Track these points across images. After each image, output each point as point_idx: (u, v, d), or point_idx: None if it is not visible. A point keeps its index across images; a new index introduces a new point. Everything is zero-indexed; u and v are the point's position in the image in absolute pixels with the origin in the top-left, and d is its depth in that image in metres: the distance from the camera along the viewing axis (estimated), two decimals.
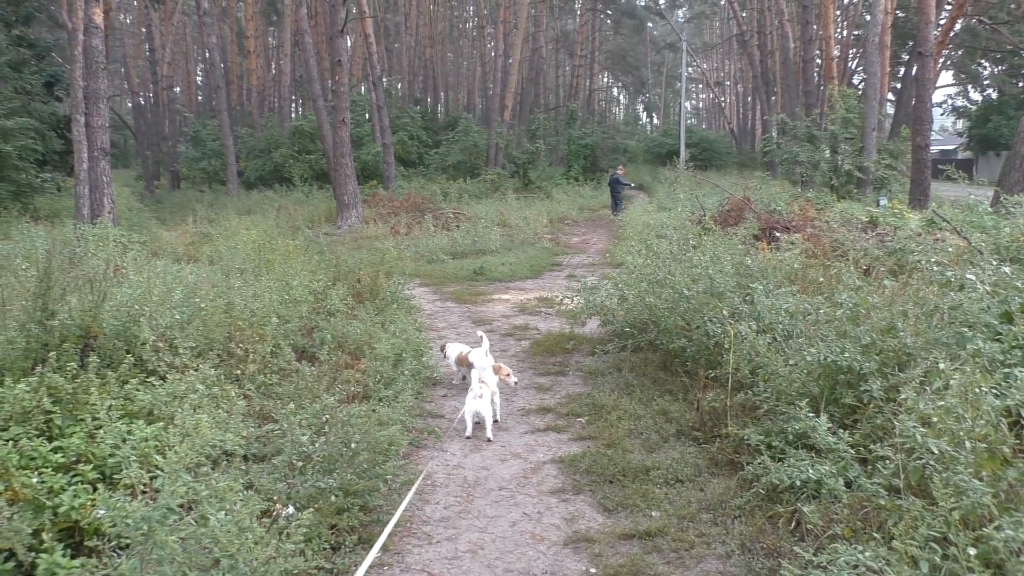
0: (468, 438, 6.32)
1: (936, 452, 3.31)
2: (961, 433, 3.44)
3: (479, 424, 6.39)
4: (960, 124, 64.88)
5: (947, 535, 3.00)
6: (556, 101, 60.00)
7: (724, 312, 6.73)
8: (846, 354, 5.00)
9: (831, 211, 18.68)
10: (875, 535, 3.48)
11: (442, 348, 8.21)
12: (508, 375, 6.91)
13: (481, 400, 6.29)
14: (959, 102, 60.31)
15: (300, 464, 4.02)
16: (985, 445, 3.45)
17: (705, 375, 6.50)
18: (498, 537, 4.60)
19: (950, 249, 12.04)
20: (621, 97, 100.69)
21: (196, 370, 5.67)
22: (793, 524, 4.26)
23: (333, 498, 4.02)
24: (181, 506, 3.05)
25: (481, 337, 7.68)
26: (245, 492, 3.57)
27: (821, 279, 6.76)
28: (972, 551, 2.84)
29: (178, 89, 60.62)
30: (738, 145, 64.76)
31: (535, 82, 52.69)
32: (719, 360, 6.43)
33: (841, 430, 4.86)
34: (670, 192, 30.06)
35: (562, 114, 47.83)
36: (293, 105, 63.29)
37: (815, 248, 10.30)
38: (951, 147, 67.20)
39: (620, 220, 23.70)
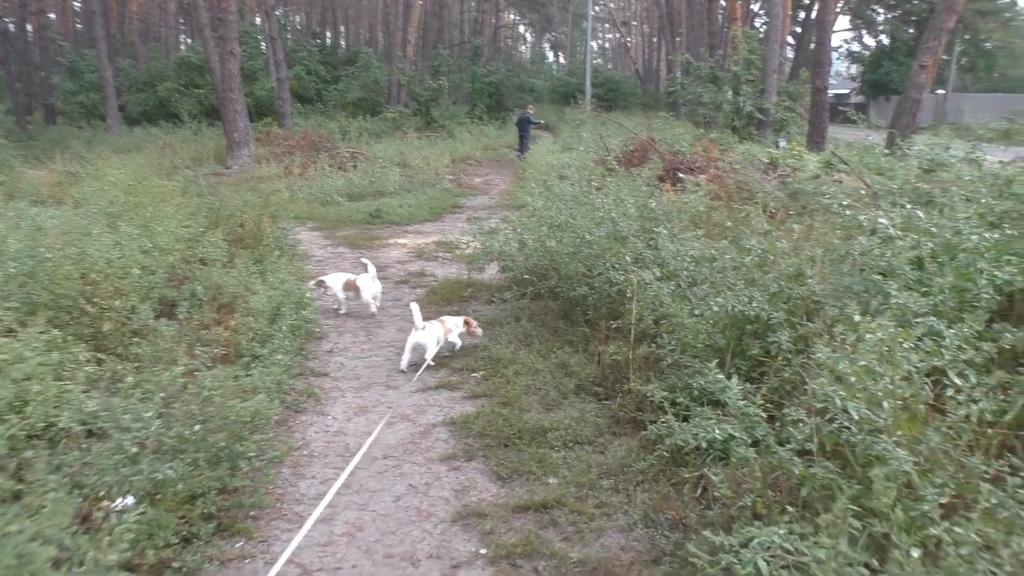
0: (402, 371, 6.37)
1: (856, 417, 3.00)
2: (879, 393, 3.14)
3: (415, 362, 6.40)
4: (854, 69, 66.67)
5: (889, 534, 2.69)
6: (461, 37, 58.24)
7: (627, 258, 6.37)
8: (754, 304, 4.69)
9: (734, 152, 18.70)
10: (788, 507, 3.17)
11: (319, 283, 8.10)
12: (476, 327, 6.85)
13: (424, 332, 6.37)
14: (854, 47, 61.87)
15: (134, 451, 3.43)
16: (903, 405, 3.17)
17: (607, 326, 6.14)
18: (380, 515, 4.13)
19: (841, 189, 12.12)
20: (527, 35, 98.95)
21: (31, 331, 4.92)
22: (699, 490, 3.95)
23: (180, 486, 3.45)
24: None
25: (367, 264, 8.10)
26: (56, 493, 2.96)
27: (729, 223, 6.45)
28: (915, 553, 2.53)
29: (52, 15, 55.75)
30: (643, 86, 64.75)
31: (439, 17, 50.95)
32: (621, 309, 6.08)
33: (747, 383, 4.59)
34: (575, 132, 29.73)
35: (467, 51, 46.39)
36: (181, 36, 59.45)
37: (719, 190, 10.07)
38: (845, 91, 69.11)
39: (525, 160, 23.18)
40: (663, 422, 4.38)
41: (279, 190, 16.94)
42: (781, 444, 3.90)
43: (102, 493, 3.31)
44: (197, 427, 3.56)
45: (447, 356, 6.61)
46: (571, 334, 6.69)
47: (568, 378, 5.79)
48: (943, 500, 2.80)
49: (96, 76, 36.85)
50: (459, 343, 6.75)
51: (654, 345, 5.24)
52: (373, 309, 8.14)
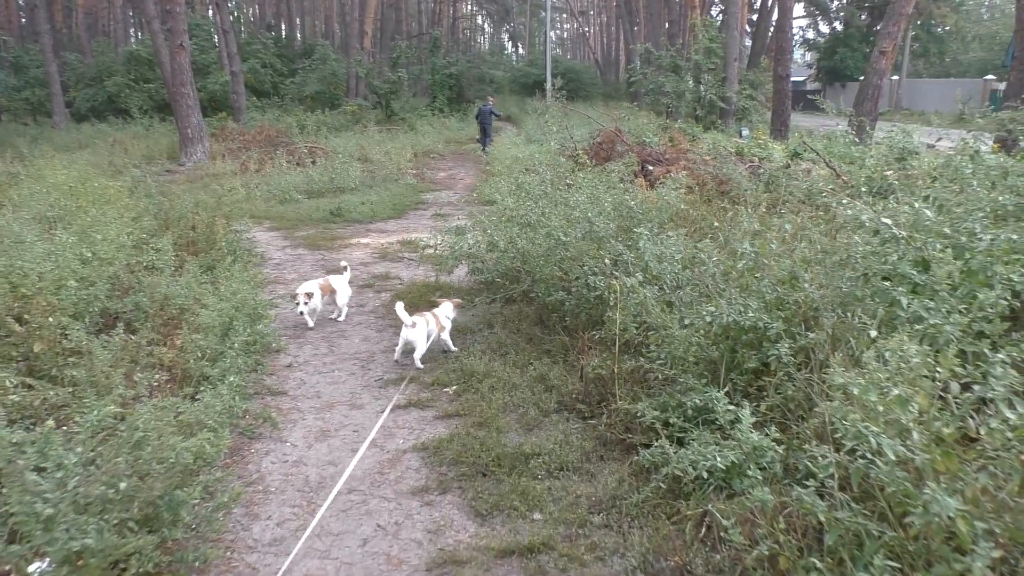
0: (396, 361, 6.37)
1: (892, 456, 2.62)
2: (910, 424, 2.77)
3: (408, 354, 6.30)
4: (809, 56, 67.14)
5: None
6: (419, 29, 57.44)
7: (606, 261, 5.96)
8: (750, 313, 4.30)
9: (701, 143, 18.42)
10: (812, 559, 2.79)
11: (308, 295, 7.28)
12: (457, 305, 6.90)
13: (414, 329, 6.17)
14: (809, 34, 62.27)
15: (49, 512, 2.91)
16: (937, 439, 2.80)
17: (588, 336, 5.72)
18: (344, 564, 3.66)
19: (819, 182, 11.87)
20: (486, 26, 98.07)
21: None
22: (703, 529, 3.55)
23: (106, 551, 2.94)
24: None
25: (345, 267, 7.97)
26: None
27: (716, 223, 6.05)
28: None
29: None
30: (603, 75, 64.56)
31: (396, 8, 50.15)
32: (603, 317, 5.68)
33: (745, 399, 4.22)
34: (539, 124, 29.29)
35: (425, 42, 45.69)
36: (132, 29, 57.70)
37: (694, 183, 9.71)
38: (801, 78, 69.60)
39: (488, 154, 22.70)
40: (658, 447, 3.99)
41: (235, 188, 16.33)
42: (788, 471, 3.55)
43: (8, 567, 2.81)
44: (123, 484, 3.06)
45: (425, 366, 6.17)
46: (548, 343, 6.27)
47: (548, 393, 5.36)
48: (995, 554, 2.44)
49: (41, 71, 35.50)
50: (452, 345, 6.54)
51: (641, 358, 4.82)
52: (343, 316, 7.67)
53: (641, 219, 6.53)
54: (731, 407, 3.58)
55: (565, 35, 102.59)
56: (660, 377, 4.60)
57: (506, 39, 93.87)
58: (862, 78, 46.16)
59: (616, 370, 4.92)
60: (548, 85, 43.06)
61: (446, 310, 6.63)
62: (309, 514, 4.06)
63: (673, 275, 5.33)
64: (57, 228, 8.50)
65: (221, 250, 8.84)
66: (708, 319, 4.42)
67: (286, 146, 20.76)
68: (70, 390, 4.96)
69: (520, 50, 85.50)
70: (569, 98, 43.60)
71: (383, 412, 5.35)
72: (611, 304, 5.20)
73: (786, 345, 4.15)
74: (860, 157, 12.91)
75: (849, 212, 4.56)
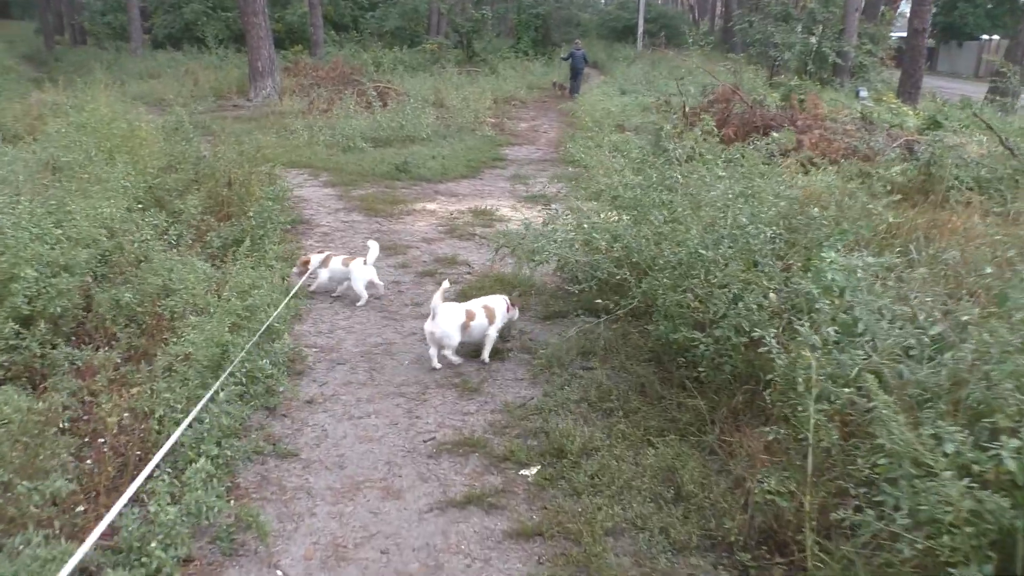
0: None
1: None
2: None
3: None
4: None
5: None
6: None
7: (770, 296, 3.99)
8: None
9: (826, 106, 15.92)
10: None
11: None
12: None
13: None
14: None
15: None
16: None
17: (736, 401, 3.79)
18: None
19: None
20: None
21: None
22: None
23: None
24: None
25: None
26: None
27: (989, 270, 3.93)
28: None
29: None
30: (696, 23, 60.64)
31: None
32: (758, 375, 3.77)
33: None
34: (630, 73, 26.84)
35: None
36: None
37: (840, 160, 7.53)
38: (903, 34, 64.27)
39: (577, 101, 20.63)
40: None
41: (297, 131, 14.71)
42: None
43: None
44: None
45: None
46: (671, 399, 4.35)
47: (682, 508, 3.46)
48: None
49: None
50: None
51: (859, 505, 2.88)
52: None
53: (828, 232, 4.46)
54: None
55: None
56: (905, 552, 2.65)
57: None
58: (985, 37, 41.61)
59: (807, 505, 3.00)
60: (640, 31, 40.40)
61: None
62: None
63: (895, 340, 3.33)
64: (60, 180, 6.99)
65: (251, 218, 7.14)
66: (1009, 463, 2.45)
67: (355, 87, 18.96)
68: None
69: None
70: (661, 46, 40.79)
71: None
72: (796, 382, 3.24)
73: None
74: None
75: None
